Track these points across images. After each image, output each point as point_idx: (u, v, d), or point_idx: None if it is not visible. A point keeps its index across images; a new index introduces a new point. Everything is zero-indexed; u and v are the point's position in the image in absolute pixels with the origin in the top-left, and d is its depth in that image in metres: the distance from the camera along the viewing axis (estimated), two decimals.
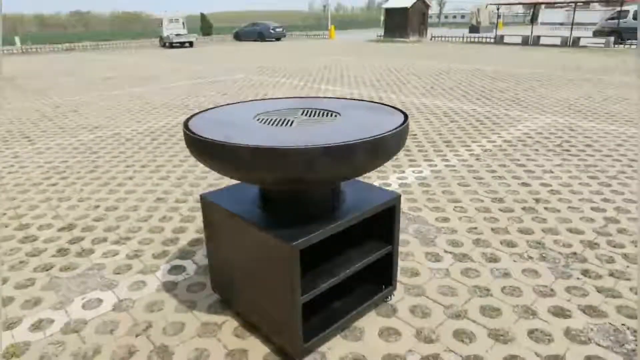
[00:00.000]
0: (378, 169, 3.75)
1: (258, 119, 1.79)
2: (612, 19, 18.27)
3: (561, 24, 41.40)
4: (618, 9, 18.05)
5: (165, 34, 23.54)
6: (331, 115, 1.81)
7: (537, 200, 3.23)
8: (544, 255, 2.51)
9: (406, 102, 7.02)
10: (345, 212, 1.73)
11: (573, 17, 19.93)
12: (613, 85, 8.48)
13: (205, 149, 1.51)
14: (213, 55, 18.17)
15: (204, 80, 10.09)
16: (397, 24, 22.53)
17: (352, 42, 25.62)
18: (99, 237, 2.74)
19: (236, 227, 1.75)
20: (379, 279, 2.07)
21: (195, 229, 2.83)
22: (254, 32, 28.29)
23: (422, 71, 11.07)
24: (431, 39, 24.14)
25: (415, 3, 22.49)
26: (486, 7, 27.10)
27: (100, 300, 2.13)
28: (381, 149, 1.52)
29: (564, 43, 18.12)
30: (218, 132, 1.59)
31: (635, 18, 17.50)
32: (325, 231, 1.61)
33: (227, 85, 9.23)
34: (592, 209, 3.09)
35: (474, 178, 3.69)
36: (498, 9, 23.07)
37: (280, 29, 28.52)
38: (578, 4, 21.66)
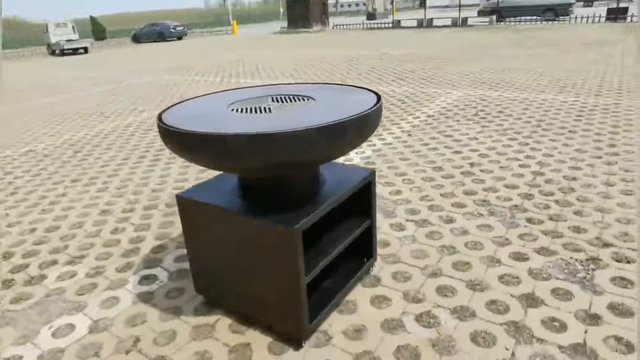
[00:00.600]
0: None
1: (233, 109, 1.76)
2: None
3: (447, 6, 44.73)
4: None
5: (53, 40, 21.37)
6: (306, 99, 1.83)
7: (472, 164, 3.55)
8: (491, 210, 2.78)
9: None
10: (330, 193, 1.78)
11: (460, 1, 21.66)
12: (504, 58, 9.44)
13: (196, 143, 1.45)
14: (115, 59, 16.93)
15: (114, 86, 9.38)
16: (299, 15, 22.79)
17: (256, 35, 25.38)
18: (47, 261, 2.49)
19: (225, 220, 1.71)
20: (360, 253, 2.15)
21: (153, 236, 2.68)
22: (154, 32, 26.88)
23: (334, 59, 11.36)
24: (333, 28, 24.75)
25: None
26: None
27: (71, 326, 1.95)
28: (366, 125, 1.58)
29: (454, 23, 19.68)
30: (201, 125, 1.55)
31: None
32: (321, 211, 1.65)
33: (140, 89, 8.68)
34: (520, 165, 3.47)
35: (412, 152, 3.93)
36: None
37: (181, 28, 27.39)
38: None
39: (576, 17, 18.00)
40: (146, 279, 2.26)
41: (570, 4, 18.91)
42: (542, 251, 2.31)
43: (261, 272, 1.71)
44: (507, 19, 19.54)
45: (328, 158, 1.62)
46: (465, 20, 19.53)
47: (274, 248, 1.61)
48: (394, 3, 35.75)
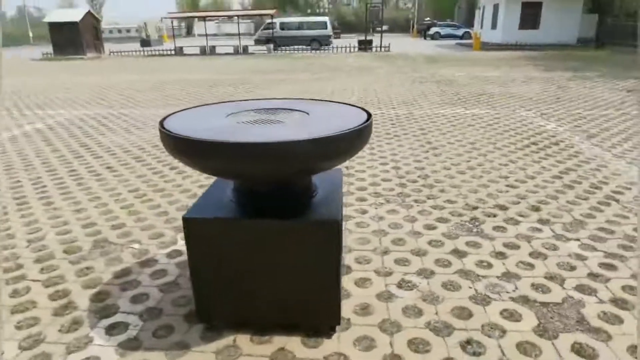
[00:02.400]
0: None
1: (238, 122, 1.80)
2: (267, 29, 22.27)
3: (215, 34, 46.41)
4: (269, 21, 22.13)
5: None
6: (302, 112, 1.98)
7: (346, 168, 4.13)
8: (387, 199, 3.38)
9: (148, 115, 6.80)
10: (319, 187, 2.00)
11: (238, 28, 22.96)
12: (304, 81, 10.72)
13: (215, 151, 1.52)
14: None
15: None
16: (69, 40, 19.99)
17: (15, 61, 21.11)
18: None
19: (252, 230, 1.72)
20: None
21: (79, 286, 2.25)
22: None
23: (137, 86, 10.64)
24: (110, 55, 22.73)
25: (84, 17, 20.52)
26: (161, 20, 27.61)
27: None
28: (364, 135, 1.84)
29: (236, 51, 20.84)
30: (214, 135, 1.60)
31: (282, 29, 21.96)
32: (339, 204, 1.86)
33: None
34: (381, 164, 4.24)
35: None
36: (172, 22, 24.07)
37: None
38: (224, 17, 25.17)
39: (335, 47, 21.59)
40: (114, 328, 1.95)
41: (330, 36, 22.58)
42: (441, 220, 3.01)
43: (293, 273, 1.79)
44: (280, 47, 21.86)
45: (337, 163, 1.85)
46: (246, 48, 20.93)
47: (315, 243, 1.73)
48: (165, 30, 35.20)
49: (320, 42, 22.30)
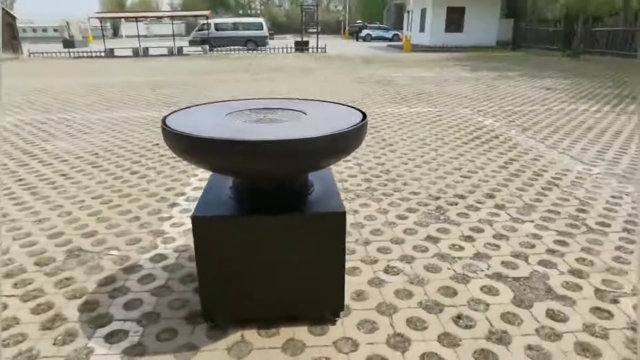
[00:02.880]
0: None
1: (243, 121, 1.83)
2: (201, 30, 21.71)
3: (145, 36, 44.38)
4: (203, 21, 21.60)
5: None
6: (299, 112, 2.04)
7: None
8: (357, 194, 3.53)
9: (92, 119, 6.44)
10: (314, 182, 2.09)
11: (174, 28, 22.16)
12: (246, 81, 10.64)
13: (218, 149, 1.58)
14: None
15: None
16: None
17: None
18: None
19: (262, 225, 1.77)
20: None
21: (64, 297, 2.14)
22: None
23: (72, 89, 9.94)
24: (30, 56, 20.88)
25: None
26: (88, 19, 25.76)
27: None
28: (364, 131, 1.96)
29: (171, 52, 20.12)
30: (228, 134, 1.65)
31: (217, 29, 21.54)
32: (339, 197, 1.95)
33: None
34: (344, 161, 4.38)
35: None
36: (101, 23, 22.60)
37: None
38: (155, 18, 24.22)
39: (271, 48, 21.58)
40: (113, 336, 1.89)
41: (266, 37, 22.52)
42: (410, 210, 3.21)
43: (300, 264, 1.85)
44: (216, 49, 21.43)
45: (335, 160, 1.95)
46: (180, 49, 20.27)
47: (322, 234, 1.81)
48: (90, 31, 33.02)
49: (256, 43, 22.16)
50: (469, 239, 2.80)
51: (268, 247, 1.82)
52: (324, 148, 1.67)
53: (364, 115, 1.90)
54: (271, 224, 1.79)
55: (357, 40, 35.70)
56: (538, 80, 10.77)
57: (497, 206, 3.30)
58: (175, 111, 2.03)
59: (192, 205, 3.25)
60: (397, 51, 23.51)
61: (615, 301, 2.17)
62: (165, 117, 1.88)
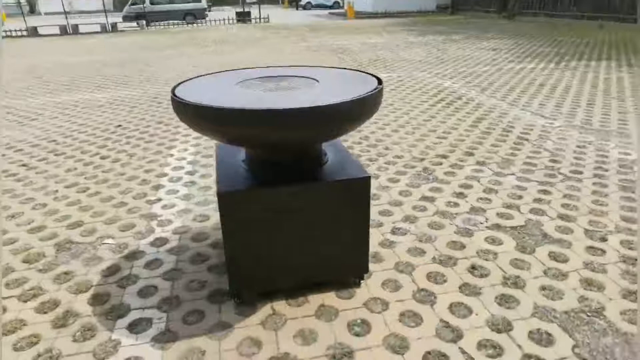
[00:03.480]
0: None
1: (261, 89, 1.76)
2: (135, 4, 20.22)
3: (68, 12, 40.77)
4: None
5: None
6: (311, 79, 1.98)
7: None
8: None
9: (35, 105, 5.91)
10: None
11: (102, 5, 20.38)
12: (195, 55, 10.16)
13: (247, 119, 1.54)
14: None
15: None
16: None
17: None
18: None
19: (285, 196, 1.73)
20: None
21: (68, 292, 2.00)
22: None
23: (3, 73, 9.00)
24: None
25: None
26: None
27: None
28: (380, 97, 1.91)
29: (104, 29, 18.65)
30: (248, 104, 1.60)
31: (152, 3, 20.16)
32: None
33: None
34: None
35: None
36: None
37: None
38: None
39: (212, 20, 20.63)
40: (137, 325, 1.81)
41: (205, 9, 21.42)
42: (399, 173, 3.28)
43: (325, 231, 1.85)
44: (153, 23, 20.15)
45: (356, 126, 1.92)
46: (114, 25, 18.81)
47: (348, 200, 1.81)
48: (1, 9, 29.68)
49: (195, 16, 21.03)
50: (461, 195, 2.91)
51: (294, 217, 1.79)
52: (351, 113, 1.64)
53: (379, 79, 1.88)
54: (298, 193, 1.75)
55: (297, 9, 34.94)
56: (483, 42, 11.14)
57: (479, 163, 3.45)
58: (181, 83, 1.91)
59: (178, 186, 3.12)
60: (340, 19, 23.29)
61: (604, 239, 2.36)
62: (174, 90, 1.78)
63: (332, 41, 12.56)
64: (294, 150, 1.84)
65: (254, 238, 1.79)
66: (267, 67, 2.28)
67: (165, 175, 3.32)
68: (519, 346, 1.67)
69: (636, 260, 2.18)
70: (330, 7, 33.19)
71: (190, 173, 3.35)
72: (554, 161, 3.44)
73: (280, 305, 1.91)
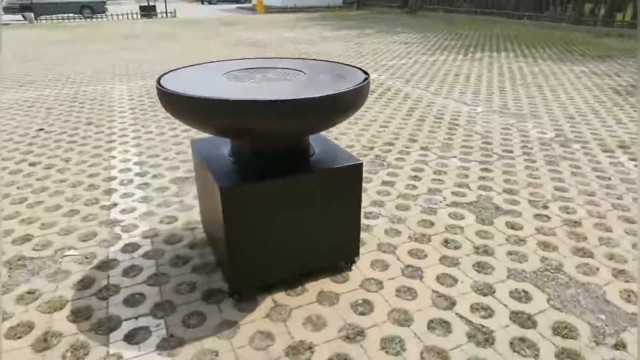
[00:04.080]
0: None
1: (249, 80, 1.73)
2: None
3: None
4: None
5: None
6: (298, 72, 1.98)
7: None
8: None
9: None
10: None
11: None
12: (111, 52, 9.39)
13: (242, 110, 1.54)
14: None
15: None
16: None
17: None
18: None
19: (282, 188, 1.74)
20: None
21: (40, 311, 1.79)
22: None
23: None
24: None
25: None
26: None
27: None
28: (368, 90, 1.98)
29: None
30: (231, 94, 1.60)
31: None
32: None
33: None
34: None
35: None
36: None
37: None
38: None
39: (112, 15, 19.10)
40: (135, 336, 1.69)
41: (104, 2, 19.71)
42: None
43: (320, 220, 1.89)
44: (42, 16, 18.11)
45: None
46: None
47: (342, 186, 1.87)
48: None
49: (93, 10, 19.26)
50: (416, 178, 3.11)
51: (291, 208, 1.81)
52: (344, 103, 1.69)
53: (365, 72, 1.95)
54: (296, 184, 1.78)
55: (203, 3, 33.72)
56: (394, 36, 11.76)
57: (423, 148, 3.70)
58: (165, 74, 1.83)
59: (132, 189, 2.93)
60: (249, 13, 22.97)
61: (546, 207, 2.70)
62: (159, 80, 1.70)
63: (248, 35, 12.38)
64: (287, 142, 1.85)
65: (255, 231, 1.78)
66: (250, 59, 2.25)
67: (113, 178, 3.09)
68: (505, 305, 1.87)
69: (577, 222, 2.54)
70: (238, 2, 32.56)
71: (141, 174, 3.15)
72: (487, 143, 3.81)
73: (280, 297, 1.92)
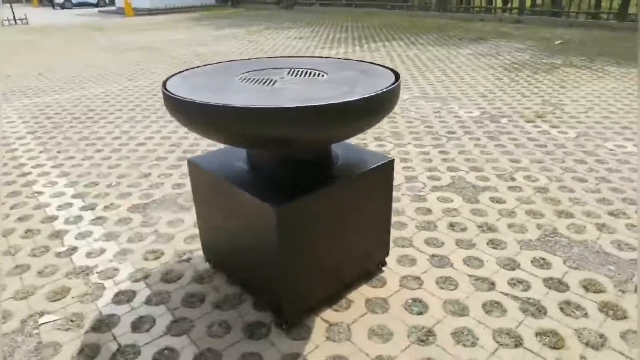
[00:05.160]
0: None
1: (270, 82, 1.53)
2: None
3: None
4: None
5: None
6: (319, 74, 1.79)
7: None
8: None
9: None
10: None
11: None
12: None
13: (261, 117, 1.37)
14: None
15: None
16: None
17: None
18: None
19: (331, 198, 1.60)
20: None
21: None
22: None
23: None
24: None
25: None
26: None
27: None
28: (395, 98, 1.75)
29: None
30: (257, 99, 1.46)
31: None
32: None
33: None
34: None
35: None
36: None
37: None
38: None
39: None
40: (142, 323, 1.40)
41: None
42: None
43: (358, 224, 1.79)
44: None
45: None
46: None
47: (377, 186, 1.78)
48: None
49: None
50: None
51: (332, 219, 1.67)
52: (390, 102, 1.59)
53: (393, 71, 1.81)
54: (335, 193, 1.64)
55: (54, 7, 29.87)
56: (285, 32, 11.74)
57: (376, 139, 3.75)
58: (170, 77, 1.56)
59: (86, 226, 2.45)
60: (117, 17, 20.97)
61: (512, 179, 2.93)
62: (165, 84, 1.46)
63: (130, 40, 11.29)
64: (317, 150, 1.70)
65: (303, 250, 1.61)
66: (262, 58, 2.00)
67: (54, 218, 2.55)
68: (534, 275, 1.98)
69: (545, 188, 2.79)
70: (96, 5, 29.54)
71: (88, 208, 2.65)
72: (429, 127, 4.01)
73: (329, 315, 1.77)
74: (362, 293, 1.89)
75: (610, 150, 3.37)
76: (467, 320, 1.73)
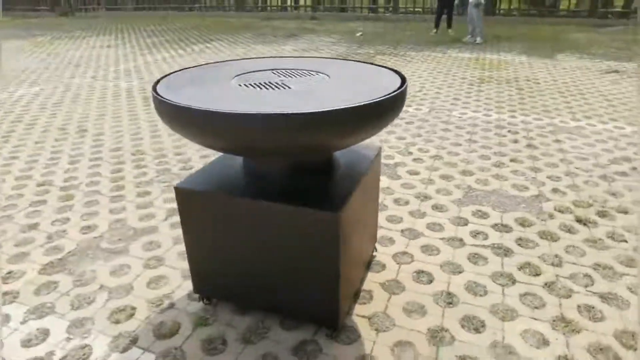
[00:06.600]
0: None
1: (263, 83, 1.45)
2: None
3: None
4: None
5: None
6: (319, 74, 1.69)
7: None
8: None
9: None
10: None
11: None
12: None
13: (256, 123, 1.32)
14: None
15: None
16: None
17: None
18: None
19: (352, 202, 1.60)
20: None
21: None
22: None
23: None
24: None
25: None
26: None
27: None
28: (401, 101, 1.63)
29: None
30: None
31: None
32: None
33: None
34: None
35: None
36: None
37: None
38: None
39: None
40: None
41: None
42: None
43: (369, 215, 1.83)
44: None
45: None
46: None
47: (374, 180, 1.84)
48: None
49: None
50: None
51: (359, 217, 1.69)
52: (399, 103, 1.62)
53: (398, 72, 1.74)
54: (362, 191, 1.66)
55: None
56: (87, 40, 10.25)
57: None
58: (161, 79, 1.35)
59: (51, 278, 1.81)
60: None
61: (410, 153, 3.35)
62: (155, 87, 1.30)
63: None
64: (323, 156, 1.68)
65: (350, 253, 1.59)
66: (249, 59, 1.74)
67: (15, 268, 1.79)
68: (483, 224, 2.37)
69: (437, 155, 3.28)
70: None
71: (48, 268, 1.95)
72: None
73: (359, 309, 1.79)
74: (373, 281, 1.96)
75: (459, 117, 4.15)
76: (466, 275, 1.99)
